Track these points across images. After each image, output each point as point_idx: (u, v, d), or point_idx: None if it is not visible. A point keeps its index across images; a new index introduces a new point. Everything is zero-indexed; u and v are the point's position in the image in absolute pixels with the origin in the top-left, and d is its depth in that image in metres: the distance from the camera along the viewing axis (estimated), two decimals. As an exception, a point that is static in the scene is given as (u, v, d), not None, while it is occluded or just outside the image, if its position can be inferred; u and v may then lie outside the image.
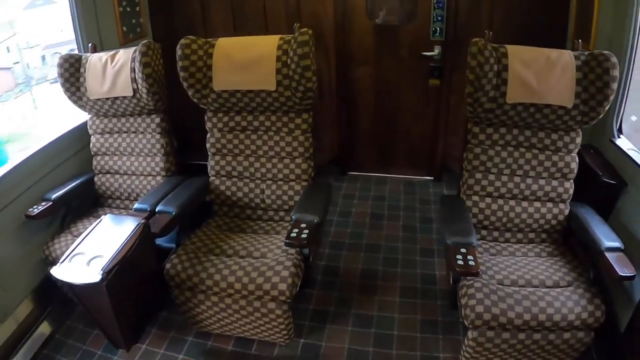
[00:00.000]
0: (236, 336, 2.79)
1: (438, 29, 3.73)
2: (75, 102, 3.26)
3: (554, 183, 2.63)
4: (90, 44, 3.34)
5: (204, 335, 2.86)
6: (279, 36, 2.83)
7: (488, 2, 3.58)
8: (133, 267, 2.48)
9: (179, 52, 2.81)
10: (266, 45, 2.80)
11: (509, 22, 3.61)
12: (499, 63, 2.45)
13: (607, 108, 2.40)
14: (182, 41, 2.82)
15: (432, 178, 4.39)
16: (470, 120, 2.68)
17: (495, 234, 2.74)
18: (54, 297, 3.13)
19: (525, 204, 2.68)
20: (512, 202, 2.69)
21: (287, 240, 2.33)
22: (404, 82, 4.06)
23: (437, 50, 3.81)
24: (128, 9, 3.84)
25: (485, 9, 3.61)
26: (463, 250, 2.20)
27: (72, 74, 3.19)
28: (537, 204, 2.67)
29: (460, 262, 2.14)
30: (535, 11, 3.55)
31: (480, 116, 2.59)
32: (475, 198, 2.72)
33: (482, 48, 2.42)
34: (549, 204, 2.66)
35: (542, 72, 2.44)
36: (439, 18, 3.69)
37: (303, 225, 2.41)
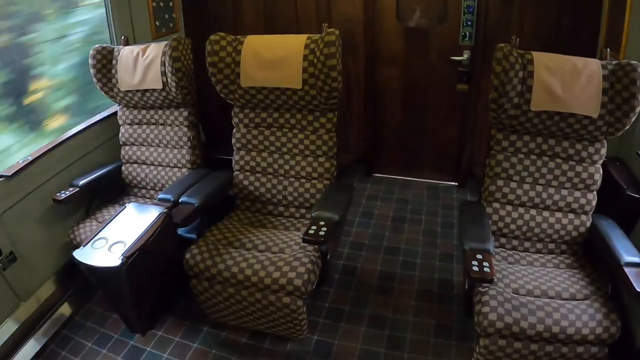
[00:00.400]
0: (251, 329, 2.86)
1: (468, 33, 3.73)
2: (106, 92, 3.39)
3: (577, 194, 2.62)
4: (122, 37, 3.47)
5: (219, 326, 2.94)
6: (307, 35, 2.89)
7: (518, 8, 3.57)
8: (153, 255, 2.58)
9: (208, 47, 2.90)
10: (294, 44, 2.86)
11: (539, 29, 3.59)
12: (525, 70, 2.45)
13: (633, 119, 2.38)
14: (212, 37, 2.92)
15: (456, 184, 4.39)
16: (494, 126, 2.68)
17: (515, 242, 2.73)
18: (76, 280, 3.26)
19: (546, 213, 2.67)
20: (533, 211, 2.68)
21: (304, 237, 2.38)
22: (432, 85, 4.07)
23: (466, 55, 3.81)
24: (161, 4, 3.95)
25: (516, 15, 3.60)
26: (479, 256, 2.20)
27: (104, 65, 3.31)
28: (559, 215, 2.66)
29: (476, 268, 2.14)
30: (566, 19, 3.52)
31: (504, 123, 2.59)
32: (496, 205, 2.72)
33: (508, 54, 2.41)
34: (571, 215, 2.64)
35: (567, 81, 2.42)
36: (469, 23, 3.68)
37: (322, 223, 2.46)
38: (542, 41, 3.53)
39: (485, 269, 2.13)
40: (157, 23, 3.92)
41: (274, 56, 2.86)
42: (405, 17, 3.92)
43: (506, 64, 2.40)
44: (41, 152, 3.11)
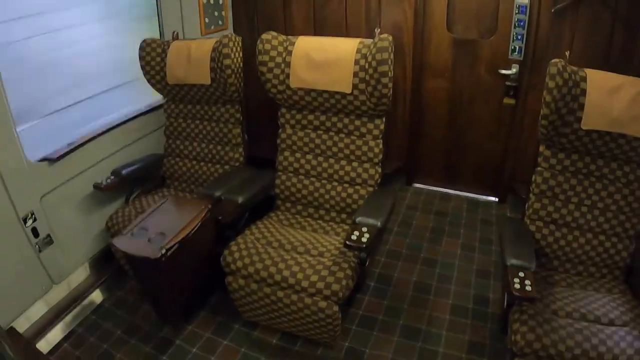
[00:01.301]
0: (283, 330, 2.91)
1: (517, 47, 3.72)
2: (153, 85, 3.51)
3: (621, 217, 2.62)
4: (173, 32, 3.60)
5: (251, 325, 3.01)
6: (359, 39, 2.94)
7: (570, 24, 3.56)
8: (192, 249, 2.68)
9: (259, 46, 2.99)
10: (345, 47, 2.91)
11: (589, 46, 3.58)
12: (577, 87, 2.44)
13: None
14: (264, 36, 3.00)
15: (496, 199, 4.40)
16: (543, 142, 2.67)
17: (555, 262, 2.74)
18: (110, 267, 3.40)
19: (589, 235, 2.67)
20: (576, 232, 2.69)
21: (347, 242, 2.43)
22: (478, 98, 4.08)
23: (514, 69, 3.80)
24: (211, 1, 4.09)
25: (567, 31, 3.59)
26: (521, 274, 2.21)
27: (152, 58, 3.43)
28: (602, 237, 2.66)
29: (517, 286, 2.15)
30: (619, 37, 3.50)
31: (553, 140, 2.59)
32: (539, 223, 2.73)
33: (562, 70, 2.39)
34: (614, 239, 2.64)
35: (620, 100, 2.41)
36: (519, 37, 3.68)
37: (364, 229, 2.50)
38: (592, 59, 3.51)
39: (527, 288, 2.15)
40: (207, 20, 4.07)
41: (324, 58, 2.91)
42: (455, 27, 3.94)
43: (560, 80, 2.38)
44: (86, 139, 3.26)
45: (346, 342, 2.90)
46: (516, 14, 3.62)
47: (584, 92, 2.44)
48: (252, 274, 2.66)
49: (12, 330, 2.74)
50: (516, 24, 3.67)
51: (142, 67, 3.46)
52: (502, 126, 4.11)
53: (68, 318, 3.13)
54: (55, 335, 3.02)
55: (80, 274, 3.35)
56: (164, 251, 2.44)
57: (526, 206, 2.80)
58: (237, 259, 2.71)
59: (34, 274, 3.00)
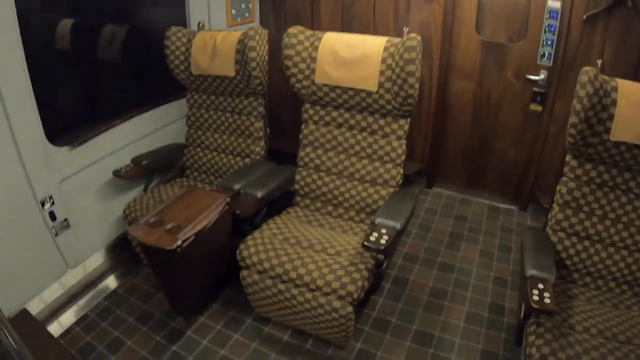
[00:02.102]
0: (294, 328, 2.92)
1: (546, 53, 3.68)
2: (177, 74, 3.53)
3: None
4: (199, 22, 3.61)
5: (263, 320, 3.02)
6: (387, 38, 2.92)
7: (601, 32, 3.50)
8: (208, 241, 2.69)
9: (285, 40, 2.98)
10: (373, 45, 2.89)
11: (621, 55, 3.50)
12: (608, 96, 2.38)
13: None
14: (290, 30, 3.00)
15: (517, 207, 4.36)
16: (570, 152, 2.62)
17: (575, 275, 2.70)
18: (125, 255, 3.44)
19: (611, 249, 2.63)
20: (598, 246, 2.64)
21: (365, 243, 2.41)
22: (504, 103, 4.04)
23: (542, 75, 3.76)
24: (239, -8, 4.10)
25: (598, 40, 3.53)
26: (541, 285, 2.18)
27: (177, 47, 3.45)
28: (624, 252, 2.61)
29: (536, 298, 2.12)
30: None
31: (581, 150, 2.53)
32: (561, 234, 2.69)
33: (593, 78, 2.34)
34: (637, 254, 2.59)
35: None
36: (549, 42, 3.64)
37: (384, 231, 2.49)
38: (623, 69, 3.45)
39: (546, 300, 2.12)
40: (233, 11, 4.09)
41: (351, 55, 2.90)
42: (485, 29, 3.90)
43: (590, 89, 2.32)
44: (107, 126, 3.29)
45: (358, 344, 2.89)
46: (547, 18, 3.58)
47: (614, 103, 2.38)
48: (267, 270, 2.66)
49: (24, 311, 2.78)
50: (546, 29, 3.62)
51: (167, 56, 3.48)
52: (527, 133, 4.06)
53: (81, 302, 3.17)
54: (68, 318, 3.06)
55: (96, 260, 3.39)
56: (179, 242, 2.45)
57: (549, 216, 2.75)
58: (253, 254, 2.71)
59: (49, 257, 3.05)
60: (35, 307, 2.93)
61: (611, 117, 2.39)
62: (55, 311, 3.03)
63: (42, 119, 2.82)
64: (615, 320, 2.38)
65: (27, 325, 2.64)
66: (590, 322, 2.33)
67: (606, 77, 2.43)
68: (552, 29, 3.60)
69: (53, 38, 3.23)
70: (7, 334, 1.32)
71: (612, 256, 2.63)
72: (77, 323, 3.06)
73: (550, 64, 3.72)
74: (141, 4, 3.81)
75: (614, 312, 2.47)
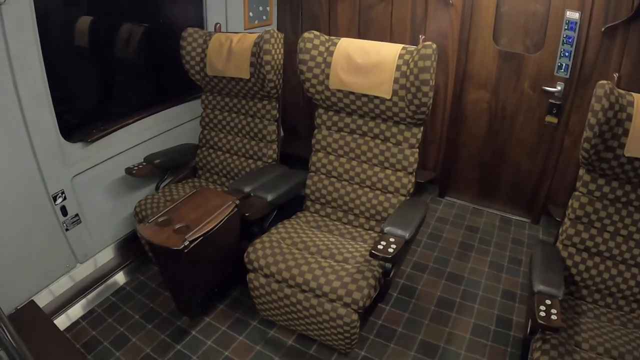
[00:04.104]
0: (299, 333, 2.92)
1: (564, 64, 3.64)
2: (192, 75, 3.55)
3: None
4: (216, 23, 3.63)
5: (268, 323, 3.03)
6: (402, 45, 2.91)
7: (619, 46, 3.45)
8: (215, 243, 2.70)
9: (300, 44, 2.99)
10: (388, 52, 2.88)
11: (638, 69, 3.45)
12: (624, 111, 2.34)
13: None
14: (306, 35, 3.00)
15: (529, 220, 4.32)
16: (583, 166, 2.58)
17: (584, 292, 2.67)
18: (134, 252, 3.47)
19: (622, 267, 2.59)
20: (608, 263, 2.61)
21: (373, 251, 2.40)
22: (519, 114, 4.02)
23: (559, 87, 3.72)
24: (257, -5, 4.13)
25: (616, 53, 3.49)
26: (548, 301, 2.16)
27: (194, 48, 3.47)
28: (635, 270, 2.57)
29: (543, 314, 2.10)
30: None
31: (594, 164, 2.50)
32: (572, 250, 2.66)
33: (609, 92, 2.30)
34: None
35: None
36: (567, 54, 3.60)
37: (392, 240, 2.47)
38: (639, 83, 3.39)
39: (553, 317, 2.09)
40: (251, 14, 4.12)
41: (366, 62, 2.89)
42: (502, 39, 3.87)
43: (606, 103, 2.29)
44: (121, 124, 3.32)
45: (362, 351, 2.88)
46: (565, 29, 3.55)
47: (629, 117, 2.35)
48: (274, 274, 2.66)
49: (31, 303, 2.80)
50: (564, 41, 3.59)
51: (182, 57, 3.50)
52: (542, 145, 4.03)
53: (89, 297, 3.20)
54: (75, 312, 3.10)
55: (105, 256, 3.42)
56: (187, 243, 2.46)
57: (560, 230, 2.73)
58: (261, 257, 2.71)
59: (59, 252, 3.08)
60: (43, 300, 2.96)
61: (626, 132, 2.35)
62: (63, 304, 3.06)
63: (57, 114, 2.85)
64: (623, 340, 2.34)
65: (33, 316, 2.65)
66: (597, 340, 2.30)
67: (622, 91, 2.40)
68: (570, 41, 3.57)
69: (71, 35, 3.25)
70: (7, 332, 1.34)
71: (623, 273, 2.60)
72: (83, 317, 3.09)
73: (568, 76, 3.69)
74: (159, 3, 3.84)
75: (622, 330, 2.44)
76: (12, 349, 1.43)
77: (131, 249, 3.51)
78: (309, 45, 2.99)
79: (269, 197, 2.95)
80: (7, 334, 1.38)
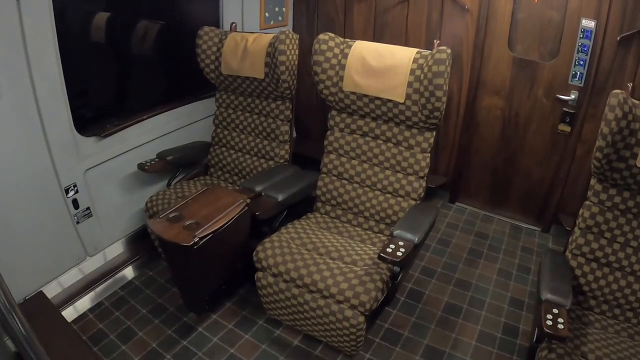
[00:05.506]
0: (305, 333, 2.92)
1: (578, 73, 3.62)
2: (207, 73, 3.58)
3: None
4: (232, 23, 3.65)
5: (274, 322, 3.04)
6: (417, 49, 2.91)
7: (634, 55, 3.43)
8: (225, 241, 2.71)
9: (315, 46, 3.00)
10: (402, 56, 2.89)
11: None
12: (637, 121, 2.33)
13: None
14: (321, 36, 3.01)
15: (539, 228, 4.30)
16: (595, 176, 2.57)
17: (592, 302, 2.65)
18: (144, 247, 3.49)
19: (631, 278, 2.57)
20: (617, 274, 2.59)
21: (381, 254, 2.40)
22: (532, 121, 4.00)
23: (573, 95, 3.70)
24: (273, -4, 4.15)
25: (631, 63, 3.46)
26: (555, 310, 2.15)
27: (209, 46, 3.49)
28: None
29: (549, 322, 2.09)
30: None
31: (606, 174, 2.48)
32: (581, 259, 2.64)
33: (623, 102, 2.29)
34: None
35: None
36: (581, 62, 3.58)
37: (401, 243, 2.47)
38: None
39: (559, 326, 2.08)
40: (267, 14, 4.14)
41: (380, 65, 2.90)
42: (517, 46, 3.86)
43: (619, 113, 2.27)
44: (135, 120, 3.35)
45: (367, 354, 2.88)
46: (580, 38, 3.53)
47: (644, 128, 2.34)
48: (282, 273, 2.67)
49: (40, 294, 2.82)
50: (579, 49, 3.57)
51: (198, 55, 3.53)
52: (554, 153, 4.01)
53: (98, 290, 3.23)
54: (83, 304, 3.13)
55: (115, 250, 3.45)
56: (196, 239, 2.48)
57: (569, 240, 2.71)
58: (269, 256, 2.72)
59: (70, 244, 3.11)
60: (52, 291, 3.00)
61: (639, 142, 2.34)
62: (71, 296, 3.09)
63: (72, 108, 2.88)
64: (630, 352, 2.33)
65: (42, 307, 2.67)
66: (603, 352, 2.29)
67: (636, 101, 2.38)
68: (585, 49, 3.55)
69: (88, 30, 3.28)
70: (17, 321, 1.35)
71: (632, 285, 2.58)
72: (91, 310, 3.12)
73: (582, 84, 3.67)
74: (176, 1, 3.86)
75: (629, 342, 2.42)
76: (22, 337, 1.45)
77: (141, 244, 3.53)
78: (324, 46, 3.00)
79: (280, 197, 2.97)
80: (18, 323, 1.40)
